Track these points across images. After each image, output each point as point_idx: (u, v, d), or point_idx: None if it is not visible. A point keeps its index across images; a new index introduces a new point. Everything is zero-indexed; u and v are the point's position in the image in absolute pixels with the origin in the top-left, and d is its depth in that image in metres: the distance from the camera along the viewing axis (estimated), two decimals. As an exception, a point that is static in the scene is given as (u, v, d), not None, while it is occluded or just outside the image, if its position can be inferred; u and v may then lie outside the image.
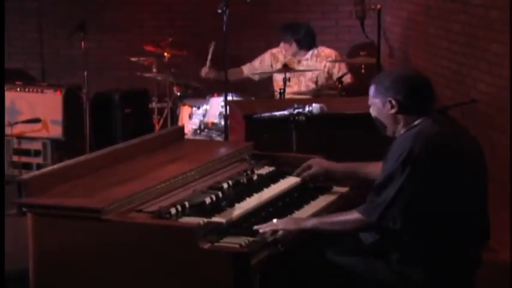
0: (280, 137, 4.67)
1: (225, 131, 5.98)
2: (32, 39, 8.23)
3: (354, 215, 3.46)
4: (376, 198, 3.40)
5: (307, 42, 7.31)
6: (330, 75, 7.22)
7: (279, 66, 7.20)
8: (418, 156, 3.34)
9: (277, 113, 4.71)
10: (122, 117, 7.42)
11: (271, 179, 4.14)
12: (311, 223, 3.53)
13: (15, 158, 6.94)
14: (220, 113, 6.59)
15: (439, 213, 3.38)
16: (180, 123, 6.98)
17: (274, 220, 3.53)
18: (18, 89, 6.95)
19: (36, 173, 3.66)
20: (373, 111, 3.62)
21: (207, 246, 3.25)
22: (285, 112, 4.64)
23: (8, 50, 7.42)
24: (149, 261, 3.31)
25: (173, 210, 3.48)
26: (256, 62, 7.54)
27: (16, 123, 6.81)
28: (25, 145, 6.94)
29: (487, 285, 3.85)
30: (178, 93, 7.22)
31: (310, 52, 7.32)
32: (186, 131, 5.88)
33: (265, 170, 4.25)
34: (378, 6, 6.57)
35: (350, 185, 4.20)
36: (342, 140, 5.10)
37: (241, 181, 4.00)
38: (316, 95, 6.85)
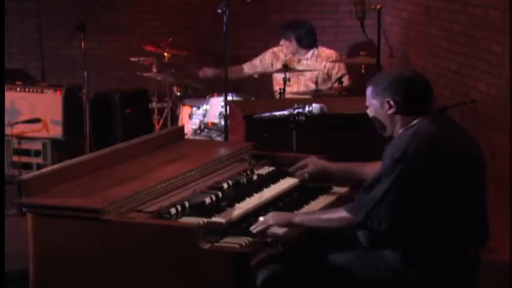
0: (280, 137, 4.67)
1: (225, 131, 5.98)
2: (32, 39, 8.22)
3: (341, 213, 3.47)
4: (365, 196, 3.41)
5: (307, 41, 7.31)
6: (328, 76, 7.23)
7: (279, 64, 7.20)
8: (411, 155, 3.34)
9: (277, 113, 4.71)
10: (122, 117, 7.41)
11: (271, 179, 4.14)
12: (299, 218, 3.55)
13: (15, 158, 6.93)
14: (220, 113, 6.59)
15: (432, 213, 3.38)
16: (180, 123, 6.97)
17: (261, 218, 3.54)
18: (18, 89, 6.95)
19: (36, 173, 3.66)
20: (370, 112, 3.63)
21: (207, 246, 3.25)
22: (285, 112, 4.64)
23: (8, 50, 7.42)
24: (149, 261, 3.31)
25: (173, 210, 3.48)
26: (257, 61, 7.54)
27: (16, 123, 6.80)
28: (25, 145, 6.93)
29: (487, 285, 3.85)
30: (178, 93, 7.21)
31: (311, 52, 7.32)
32: (186, 131, 5.88)
33: (265, 170, 4.26)
34: (378, 6, 6.56)
35: (350, 185, 4.20)
36: (342, 140, 5.10)
37: (241, 181, 4.00)
38: (316, 95, 6.85)
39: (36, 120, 6.86)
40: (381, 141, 3.64)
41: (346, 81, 7.11)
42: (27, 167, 6.84)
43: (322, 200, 4.03)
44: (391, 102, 3.52)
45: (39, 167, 6.66)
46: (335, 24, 8.41)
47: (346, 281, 3.52)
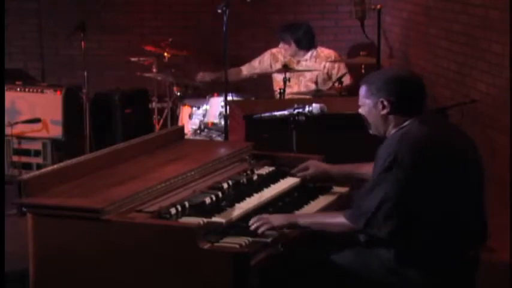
0: (280, 137, 4.67)
1: (225, 131, 5.98)
2: (32, 39, 8.22)
3: (341, 220, 3.46)
4: (363, 204, 3.41)
5: (306, 43, 7.30)
6: (329, 76, 7.22)
7: (278, 66, 7.20)
8: (403, 160, 3.33)
9: (277, 113, 4.71)
10: (122, 117, 7.41)
11: (271, 179, 4.14)
12: (303, 221, 3.56)
13: (15, 158, 6.93)
14: (220, 113, 6.59)
15: (431, 213, 3.37)
16: (180, 123, 6.97)
17: (264, 215, 3.54)
18: (18, 89, 6.95)
19: (36, 173, 3.66)
20: (363, 112, 3.62)
21: (207, 246, 3.25)
22: (285, 112, 4.64)
23: (8, 50, 7.42)
24: (149, 261, 3.31)
25: (173, 210, 3.48)
26: (256, 62, 7.53)
27: (16, 123, 6.80)
28: (25, 145, 6.93)
29: (487, 285, 3.85)
30: (178, 93, 7.21)
31: (310, 53, 7.31)
32: (186, 131, 5.88)
33: (265, 170, 4.26)
34: (378, 6, 6.56)
35: (350, 185, 4.21)
36: (342, 140, 5.10)
37: (241, 181, 4.00)
38: (316, 95, 6.85)
39: (36, 120, 6.86)
40: (381, 141, 3.64)
41: (347, 80, 7.11)
42: (27, 167, 6.84)
43: (322, 200, 4.03)
44: (385, 103, 3.51)
45: (39, 167, 6.66)
46: (335, 24, 8.41)
47: (345, 280, 3.52)
